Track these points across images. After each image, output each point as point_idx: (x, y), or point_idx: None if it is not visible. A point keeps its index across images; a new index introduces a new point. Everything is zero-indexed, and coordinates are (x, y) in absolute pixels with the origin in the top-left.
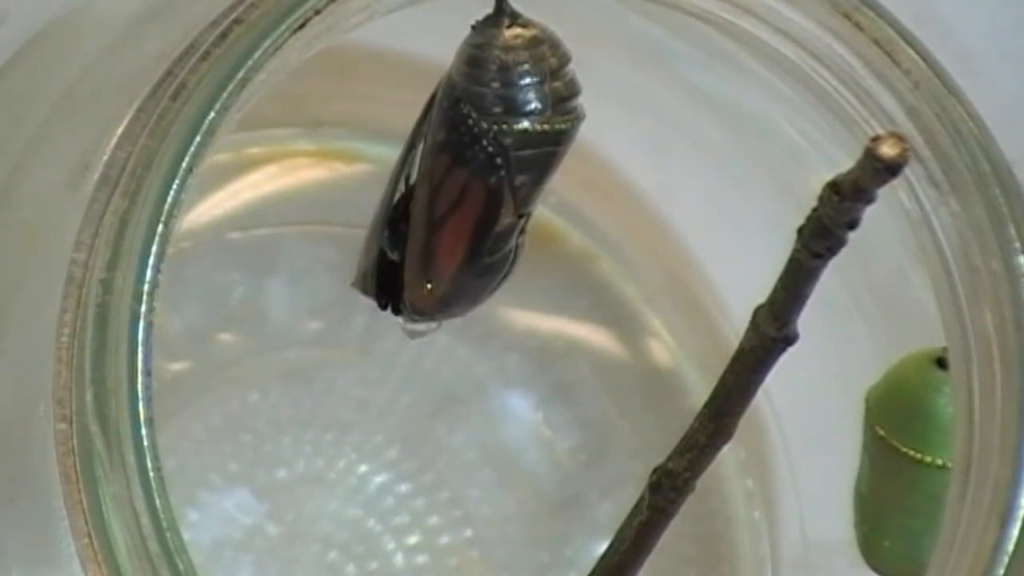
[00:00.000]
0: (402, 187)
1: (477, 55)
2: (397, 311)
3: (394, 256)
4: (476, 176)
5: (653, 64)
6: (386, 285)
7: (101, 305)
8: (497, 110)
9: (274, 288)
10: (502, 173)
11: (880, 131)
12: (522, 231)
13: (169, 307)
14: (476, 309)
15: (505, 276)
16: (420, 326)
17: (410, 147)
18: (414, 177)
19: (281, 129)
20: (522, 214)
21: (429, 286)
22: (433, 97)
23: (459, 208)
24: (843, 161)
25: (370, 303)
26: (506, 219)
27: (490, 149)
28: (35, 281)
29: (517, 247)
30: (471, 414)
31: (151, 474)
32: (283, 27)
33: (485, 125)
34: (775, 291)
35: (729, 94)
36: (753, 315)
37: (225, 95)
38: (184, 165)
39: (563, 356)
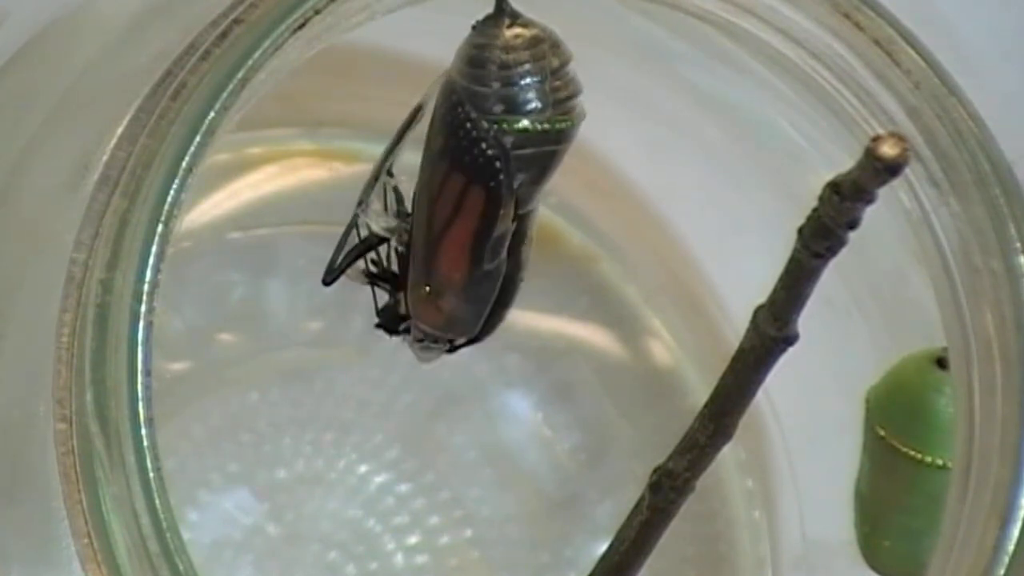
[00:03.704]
0: (383, 186)
1: (478, 55)
2: (391, 329)
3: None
4: (477, 177)
5: (653, 64)
6: (392, 313)
7: (101, 305)
8: (498, 109)
9: (274, 288)
10: (502, 173)
11: (880, 131)
12: (524, 240)
13: (169, 307)
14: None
15: (512, 291)
16: (430, 350)
17: (395, 143)
18: (396, 175)
19: (281, 129)
20: (519, 214)
21: (427, 289)
22: (417, 110)
23: (461, 211)
24: (843, 161)
25: (370, 303)
26: (505, 220)
27: (490, 149)
28: (35, 281)
29: (520, 263)
30: (471, 414)
31: (151, 474)
32: (283, 27)
33: (485, 125)
34: (775, 291)
35: (729, 94)
36: (753, 315)
37: (225, 95)
38: (184, 165)
39: (563, 356)
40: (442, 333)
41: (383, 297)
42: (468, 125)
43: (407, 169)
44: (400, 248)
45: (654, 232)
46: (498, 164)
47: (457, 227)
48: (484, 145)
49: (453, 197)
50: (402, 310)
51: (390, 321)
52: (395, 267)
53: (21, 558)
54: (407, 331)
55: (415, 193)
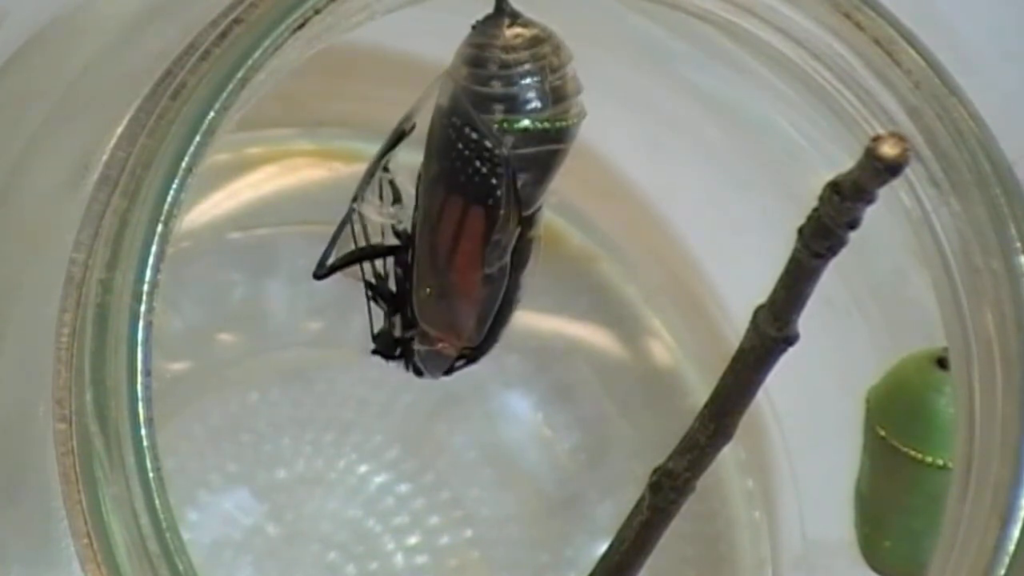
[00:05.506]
0: (379, 181)
1: (477, 55)
2: (388, 355)
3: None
4: (475, 195)
5: (653, 64)
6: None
7: (101, 305)
8: (498, 108)
9: (274, 288)
10: (499, 189)
11: (881, 131)
12: (528, 251)
13: (169, 307)
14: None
15: (508, 311)
16: (437, 359)
17: (391, 143)
18: (392, 171)
19: (281, 129)
20: (524, 216)
21: (428, 291)
22: (404, 128)
23: (463, 226)
24: (843, 161)
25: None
26: (509, 222)
27: (491, 148)
28: (35, 281)
29: (519, 284)
30: (471, 414)
31: (151, 474)
32: (283, 27)
33: (485, 143)
34: (775, 291)
35: (729, 94)
36: (753, 315)
37: (225, 95)
38: (184, 165)
39: (563, 356)
40: (449, 337)
41: (379, 320)
42: (460, 145)
43: (403, 165)
44: (399, 270)
45: (654, 232)
46: (500, 160)
47: (461, 239)
48: (479, 163)
49: (455, 215)
50: (397, 333)
51: (386, 346)
52: (393, 287)
53: (21, 558)
54: (403, 356)
55: (415, 210)
